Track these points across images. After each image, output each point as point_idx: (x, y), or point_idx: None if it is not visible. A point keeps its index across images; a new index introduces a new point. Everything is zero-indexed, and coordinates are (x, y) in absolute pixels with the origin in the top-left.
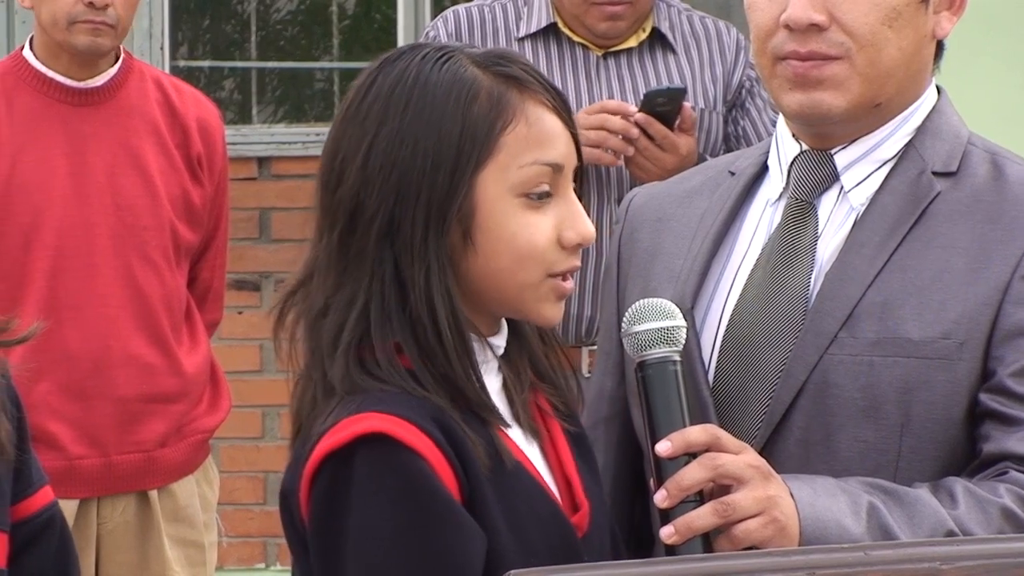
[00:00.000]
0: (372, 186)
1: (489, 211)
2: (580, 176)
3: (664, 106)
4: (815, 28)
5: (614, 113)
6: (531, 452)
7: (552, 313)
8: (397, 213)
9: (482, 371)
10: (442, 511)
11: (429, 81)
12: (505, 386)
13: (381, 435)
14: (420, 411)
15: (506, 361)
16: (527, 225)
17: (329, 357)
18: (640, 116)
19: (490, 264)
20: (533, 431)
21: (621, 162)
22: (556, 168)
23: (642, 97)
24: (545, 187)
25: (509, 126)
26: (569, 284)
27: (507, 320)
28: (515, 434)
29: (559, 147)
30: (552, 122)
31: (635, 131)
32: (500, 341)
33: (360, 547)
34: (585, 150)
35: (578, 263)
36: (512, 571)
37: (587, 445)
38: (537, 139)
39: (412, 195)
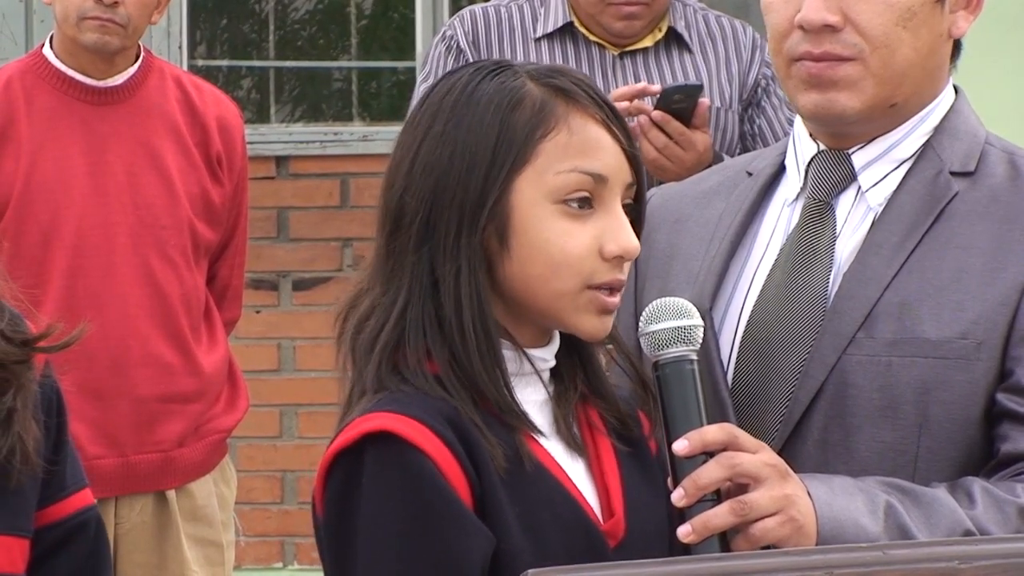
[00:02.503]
0: (414, 189)
1: (524, 215)
2: (640, 193)
3: (680, 103)
4: (829, 29)
5: (632, 97)
6: (571, 464)
7: (592, 326)
8: (434, 215)
9: (519, 382)
10: (444, 509)
11: (478, 90)
12: (551, 400)
13: (388, 433)
14: (433, 411)
15: (556, 376)
16: (562, 232)
17: (365, 358)
18: (657, 114)
19: (524, 269)
20: (578, 445)
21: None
22: (598, 178)
23: (659, 95)
24: (584, 194)
25: (550, 134)
26: (614, 300)
27: (564, 335)
28: (550, 445)
29: (603, 158)
30: (598, 134)
31: (647, 108)
32: (546, 354)
33: (367, 542)
34: None
35: (622, 277)
36: (530, 571)
37: (649, 462)
38: (578, 148)
39: (448, 197)
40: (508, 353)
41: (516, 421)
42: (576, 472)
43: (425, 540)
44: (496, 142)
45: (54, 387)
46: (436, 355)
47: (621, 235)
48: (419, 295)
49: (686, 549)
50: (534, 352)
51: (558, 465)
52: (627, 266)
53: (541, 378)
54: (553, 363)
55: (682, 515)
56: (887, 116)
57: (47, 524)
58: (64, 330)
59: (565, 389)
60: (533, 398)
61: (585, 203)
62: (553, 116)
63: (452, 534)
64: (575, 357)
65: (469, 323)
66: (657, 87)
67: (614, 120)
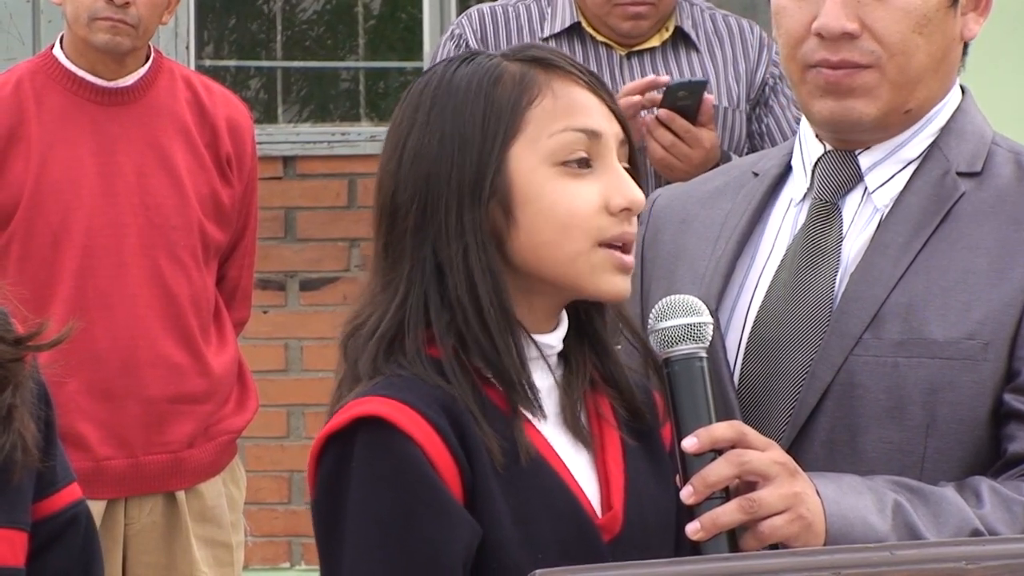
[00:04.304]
0: (405, 183)
1: (526, 183)
2: (632, 154)
3: (685, 100)
4: (847, 36)
5: (643, 90)
6: (575, 454)
7: (613, 285)
8: (430, 201)
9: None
10: (428, 498)
11: (455, 77)
12: (558, 387)
13: (378, 418)
14: (428, 398)
15: (565, 362)
16: (566, 193)
17: (361, 348)
18: (662, 112)
19: (534, 238)
20: (584, 435)
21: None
22: (591, 135)
23: (663, 92)
24: (582, 154)
25: (535, 100)
26: (629, 258)
27: (577, 320)
28: (555, 434)
29: (592, 115)
30: (582, 94)
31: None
32: (552, 340)
33: (354, 526)
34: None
35: (632, 230)
36: (538, 571)
37: (659, 455)
38: (566, 108)
39: (443, 181)
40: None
41: (525, 402)
42: (578, 463)
43: (408, 528)
44: (484, 118)
45: (40, 381)
46: (441, 339)
47: (625, 188)
48: (421, 282)
49: (694, 546)
50: (540, 338)
51: (557, 456)
52: (635, 220)
53: (548, 363)
54: (560, 348)
55: (691, 512)
56: (901, 122)
57: (41, 518)
58: (55, 327)
59: (574, 376)
60: (539, 384)
61: (584, 162)
62: (535, 84)
63: (435, 524)
64: (586, 343)
65: (485, 298)
66: (666, 78)
67: (595, 81)
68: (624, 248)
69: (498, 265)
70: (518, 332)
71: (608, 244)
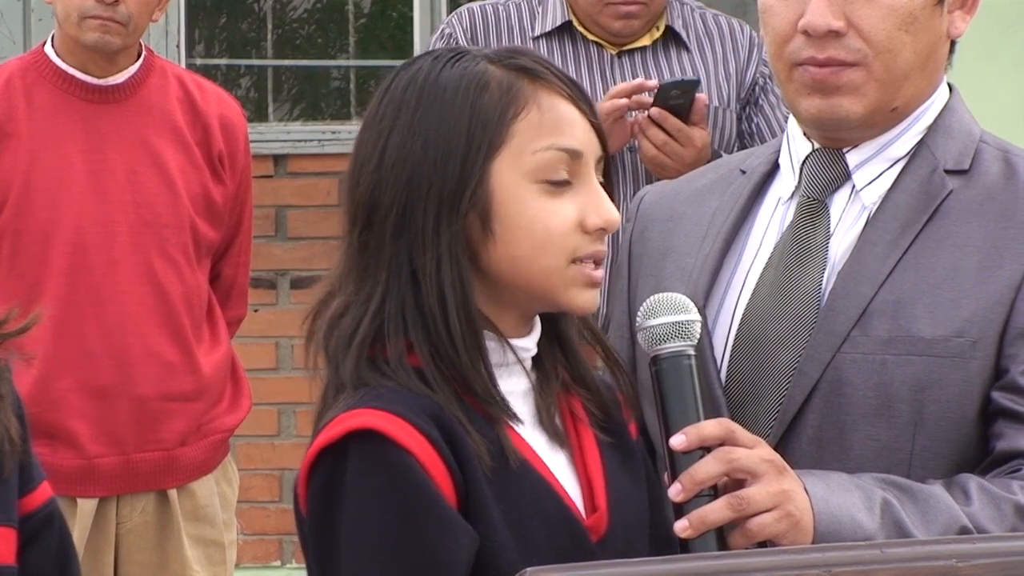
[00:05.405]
0: (386, 183)
1: (506, 198)
2: (607, 169)
3: (678, 99)
4: (833, 34)
5: (630, 93)
6: (553, 455)
7: (583, 301)
8: (410, 206)
9: (502, 372)
10: (428, 509)
11: (440, 78)
12: (533, 390)
13: (372, 431)
14: (417, 408)
15: (537, 365)
16: (544, 210)
17: (343, 354)
18: (655, 111)
19: (510, 252)
20: (560, 436)
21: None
22: (573, 154)
23: (656, 91)
24: (563, 173)
25: (521, 113)
26: (599, 273)
27: (544, 324)
28: (533, 436)
29: (576, 133)
30: (567, 109)
31: (647, 102)
32: (528, 343)
33: (350, 540)
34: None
35: (603, 249)
36: (528, 569)
37: (630, 451)
38: (551, 125)
39: (424, 186)
40: (491, 344)
41: (499, 412)
42: (558, 464)
43: (409, 540)
44: (469, 127)
45: (9, 380)
46: (417, 347)
47: (602, 208)
48: (397, 288)
49: (666, 542)
50: (516, 342)
51: (540, 459)
52: (606, 238)
53: (524, 367)
54: (535, 351)
55: (679, 510)
56: (888, 120)
57: (21, 516)
58: (21, 316)
59: (547, 378)
60: (516, 388)
61: (563, 181)
62: (522, 96)
63: (437, 534)
64: (555, 345)
65: (453, 311)
66: (654, 82)
67: (578, 94)
68: (596, 264)
69: (469, 277)
70: (484, 344)
71: (581, 260)
